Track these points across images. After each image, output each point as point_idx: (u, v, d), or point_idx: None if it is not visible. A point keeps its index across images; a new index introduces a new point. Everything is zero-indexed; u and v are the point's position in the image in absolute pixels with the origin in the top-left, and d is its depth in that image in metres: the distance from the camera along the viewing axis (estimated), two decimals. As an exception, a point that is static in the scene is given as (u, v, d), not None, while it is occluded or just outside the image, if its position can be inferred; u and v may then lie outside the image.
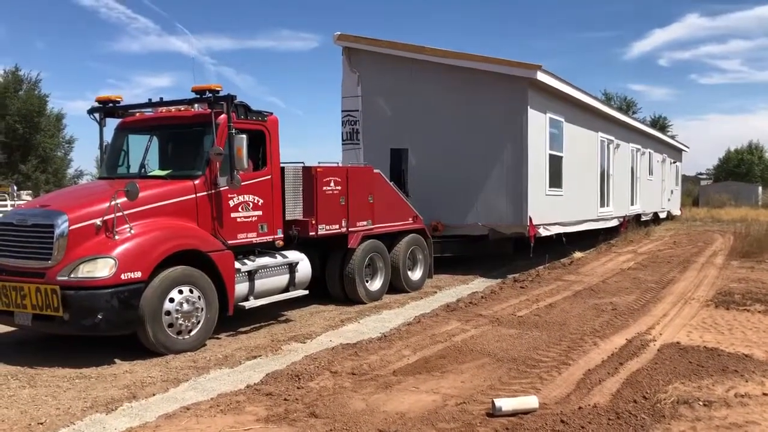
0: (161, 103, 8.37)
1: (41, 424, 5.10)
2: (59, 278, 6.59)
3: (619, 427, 4.69)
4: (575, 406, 5.14)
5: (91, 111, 8.77)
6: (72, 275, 6.59)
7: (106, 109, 8.71)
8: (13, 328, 7.67)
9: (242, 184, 8.01)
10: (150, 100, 8.42)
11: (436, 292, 11.08)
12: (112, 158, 8.75)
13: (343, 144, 14.24)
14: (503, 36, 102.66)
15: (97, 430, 5.00)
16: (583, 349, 6.97)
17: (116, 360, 6.90)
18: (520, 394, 5.43)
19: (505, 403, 4.98)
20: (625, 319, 8.53)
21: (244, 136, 7.77)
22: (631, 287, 11.09)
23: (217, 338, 7.86)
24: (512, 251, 14.01)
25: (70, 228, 6.74)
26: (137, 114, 8.75)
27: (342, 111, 14.25)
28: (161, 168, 8.35)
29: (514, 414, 4.91)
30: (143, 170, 8.38)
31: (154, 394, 5.79)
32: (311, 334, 8.05)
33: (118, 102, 8.73)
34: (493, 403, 5.01)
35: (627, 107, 58.76)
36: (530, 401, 5.11)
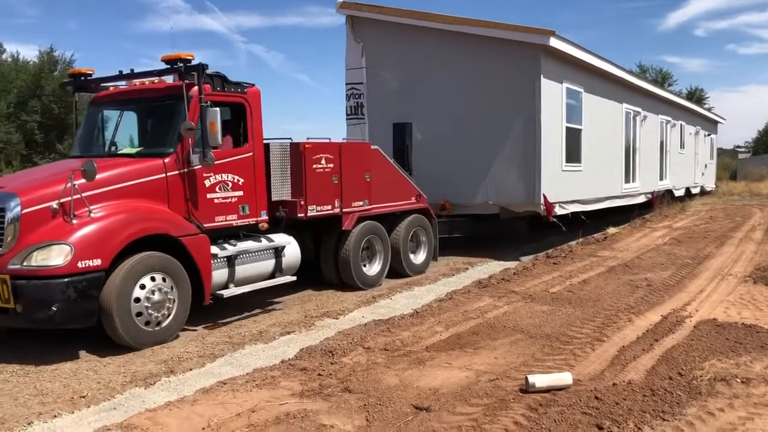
0: (132, 75, 7.77)
1: (83, 397, 5.25)
2: (10, 267, 6.05)
3: (654, 404, 4.64)
4: (609, 382, 5.09)
5: (63, 85, 8.22)
6: (25, 263, 6.05)
7: (77, 83, 8.14)
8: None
9: (220, 162, 7.43)
10: (121, 72, 7.81)
11: (467, 269, 10.96)
12: (84, 135, 8.20)
13: (347, 119, 13.51)
14: (525, 6, 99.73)
15: (137, 404, 5.07)
16: (617, 326, 6.90)
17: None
18: (553, 370, 5.41)
19: (539, 380, 4.96)
20: (660, 295, 8.41)
21: (218, 109, 7.13)
22: (667, 263, 10.87)
23: (253, 315, 7.96)
24: (526, 231, 13.19)
25: (23, 212, 6.18)
26: (111, 88, 8.16)
27: (346, 84, 13.50)
28: (134, 145, 7.77)
29: (547, 390, 4.90)
30: (113, 148, 7.80)
31: (191, 369, 5.92)
32: (344, 310, 8.09)
33: (90, 75, 8.14)
34: (526, 379, 4.99)
35: (662, 79, 56.77)
36: (564, 377, 5.06)
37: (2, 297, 6.03)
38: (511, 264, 11.28)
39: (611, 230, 15.13)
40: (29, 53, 58.37)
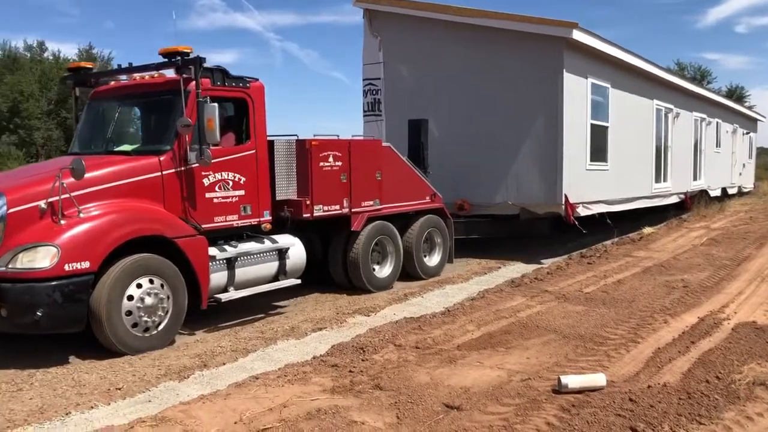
0: (131, 69, 7.51)
1: (119, 389, 5.33)
2: (-5, 269, 5.82)
3: (691, 407, 4.53)
4: (644, 384, 5.01)
5: (63, 80, 8.01)
6: (9, 265, 5.82)
7: (77, 77, 7.91)
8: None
9: (220, 160, 7.15)
10: (119, 66, 7.56)
11: (500, 268, 10.88)
12: (83, 132, 7.96)
13: (364, 115, 13.14)
14: (555, 1, 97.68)
15: (171, 397, 5.14)
16: (652, 327, 6.76)
17: (188, 330, 7.03)
18: (586, 371, 5.32)
19: (572, 380, 4.88)
20: (697, 296, 8.23)
21: (216, 105, 6.83)
22: (704, 264, 10.61)
23: (281, 309, 7.98)
24: (549, 232, 12.66)
25: (9, 211, 5.94)
26: (112, 83, 7.91)
27: (363, 80, 13.14)
28: (131, 142, 7.49)
29: (580, 391, 4.81)
30: (111, 145, 7.54)
31: (224, 363, 5.99)
32: (375, 307, 8.06)
33: (90, 70, 7.90)
34: (559, 379, 4.91)
35: (701, 77, 55.37)
36: (597, 379, 4.97)
37: (-14, 300, 5.79)
38: (539, 265, 11.00)
39: (647, 230, 14.77)
40: (69, 51, 59.54)
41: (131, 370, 5.84)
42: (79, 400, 5.13)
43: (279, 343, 6.64)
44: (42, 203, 6.04)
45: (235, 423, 4.47)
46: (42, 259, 5.80)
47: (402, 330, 6.76)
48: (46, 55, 48.72)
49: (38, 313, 5.70)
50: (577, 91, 11.74)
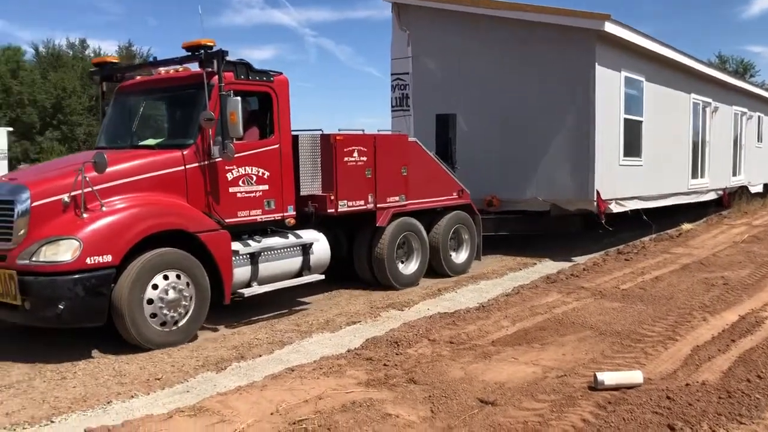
0: (155, 63, 7.52)
1: (158, 379, 5.46)
2: (19, 262, 5.84)
3: (731, 406, 4.42)
4: (682, 382, 4.92)
5: (90, 74, 8.06)
6: (33, 259, 5.82)
7: (103, 72, 7.94)
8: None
9: (244, 154, 7.12)
10: (145, 60, 7.54)
11: (535, 264, 10.81)
12: (110, 126, 7.99)
13: (392, 111, 13.00)
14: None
15: (208, 388, 5.24)
16: (691, 325, 6.65)
17: (225, 322, 7.20)
18: (623, 368, 5.25)
19: (608, 377, 4.82)
20: (738, 294, 8.04)
21: (239, 98, 6.76)
22: (745, 261, 10.38)
23: (307, 301, 7.95)
24: (581, 229, 12.38)
25: (33, 205, 5.95)
26: (137, 78, 7.93)
27: (391, 75, 12.99)
28: (155, 136, 7.49)
29: (617, 388, 4.75)
30: (134, 139, 7.55)
31: (260, 355, 6.10)
32: (409, 302, 8.12)
33: (116, 64, 7.93)
34: (595, 376, 4.86)
35: (743, 70, 53.91)
36: (634, 376, 4.90)
37: (9, 293, 5.83)
38: (572, 262, 10.82)
39: (686, 226, 14.39)
40: (110, 49, 60.74)
41: (170, 360, 5.96)
42: (120, 390, 5.26)
43: (314, 336, 6.74)
44: (65, 197, 6.04)
45: (272, 414, 4.52)
46: (64, 252, 5.80)
47: (436, 325, 6.75)
48: (87, 52, 49.75)
49: (60, 306, 5.70)
50: (609, 84, 11.43)
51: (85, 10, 74.48)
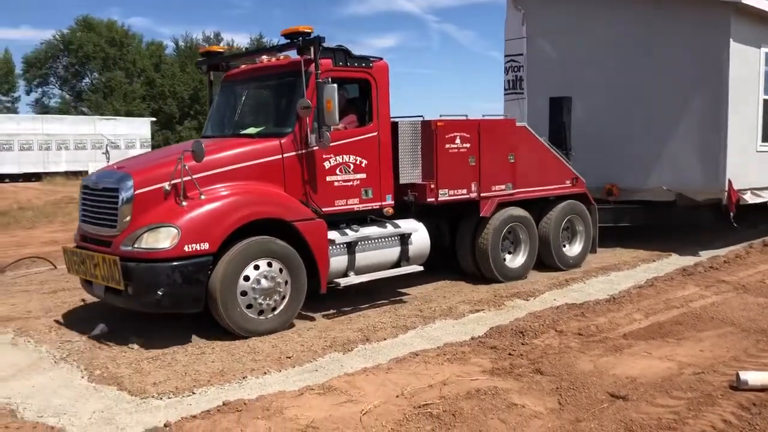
0: (257, 51, 7.57)
1: (289, 357, 5.71)
2: (122, 248, 6.05)
3: None
4: None
5: (198, 64, 8.25)
6: (135, 245, 6.02)
7: (209, 62, 8.09)
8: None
9: (341, 142, 7.01)
10: (247, 49, 7.60)
11: (670, 255, 10.30)
12: (216, 115, 8.14)
13: (505, 94, 12.37)
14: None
15: (336, 368, 5.44)
16: None
17: (350, 305, 7.40)
18: None
19: (752, 377, 4.60)
20: None
21: (335, 85, 6.63)
22: None
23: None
24: (713, 221, 11.29)
25: (136, 192, 6.14)
26: (241, 66, 8.01)
27: (505, 56, 12.34)
28: (257, 125, 7.53)
29: (762, 389, 4.54)
30: (237, 128, 7.63)
31: (384, 339, 6.23)
32: (534, 291, 7.97)
33: (222, 53, 8.05)
34: (737, 375, 4.66)
35: None
36: None
37: (114, 278, 6.04)
38: (698, 257, 10.03)
39: None
40: (242, 41, 63.83)
41: (300, 340, 6.20)
42: (254, 366, 5.51)
43: (437, 322, 6.76)
44: (166, 185, 6.19)
45: (397, 396, 4.60)
46: (164, 239, 5.94)
47: (563, 316, 6.62)
48: (221, 44, 52.55)
49: (159, 292, 5.84)
50: (746, 62, 10.26)
51: (218, 5, 78.42)
